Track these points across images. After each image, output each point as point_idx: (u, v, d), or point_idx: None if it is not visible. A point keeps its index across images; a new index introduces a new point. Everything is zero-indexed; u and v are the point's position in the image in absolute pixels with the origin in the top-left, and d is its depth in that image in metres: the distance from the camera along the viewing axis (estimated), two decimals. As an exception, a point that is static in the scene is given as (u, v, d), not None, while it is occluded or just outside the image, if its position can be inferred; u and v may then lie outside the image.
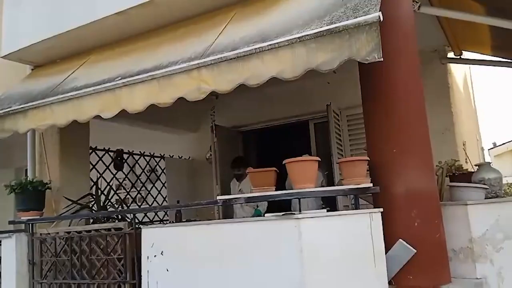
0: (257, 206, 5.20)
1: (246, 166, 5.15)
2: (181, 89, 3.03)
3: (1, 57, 4.53)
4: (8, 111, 3.85)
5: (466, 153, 5.19)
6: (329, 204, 4.99)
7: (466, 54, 5.55)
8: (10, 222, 4.41)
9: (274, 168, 3.38)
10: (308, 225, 2.80)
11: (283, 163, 3.17)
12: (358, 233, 2.88)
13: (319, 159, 3.15)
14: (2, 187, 4.42)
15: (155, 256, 3.29)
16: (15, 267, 4.01)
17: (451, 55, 5.43)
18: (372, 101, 3.21)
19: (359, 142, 5.04)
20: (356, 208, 3.15)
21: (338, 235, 2.85)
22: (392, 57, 2.98)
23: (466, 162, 4.82)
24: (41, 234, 4.06)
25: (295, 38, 2.71)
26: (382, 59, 2.53)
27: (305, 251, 2.73)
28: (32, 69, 4.78)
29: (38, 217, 4.27)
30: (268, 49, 2.79)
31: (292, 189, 3.06)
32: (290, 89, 5.59)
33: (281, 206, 3.57)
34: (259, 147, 7.26)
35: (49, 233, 4.01)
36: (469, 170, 4.11)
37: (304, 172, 3.07)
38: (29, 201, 4.28)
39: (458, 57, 5.41)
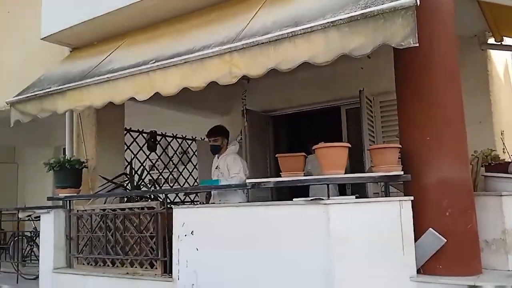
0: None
1: (225, 136, 4.63)
2: (213, 73, 3.06)
3: (41, 39, 4.69)
4: (48, 91, 3.99)
5: (504, 143, 5.00)
6: (359, 191, 4.95)
7: (508, 40, 5.31)
8: (49, 198, 4.61)
9: (303, 153, 3.39)
10: (337, 211, 2.81)
11: (313, 148, 3.17)
12: (387, 221, 2.87)
13: (349, 145, 3.13)
14: (42, 165, 4.62)
15: (185, 235, 3.39)
16: (53, 241, 4.22)
17: (491, 41, 5.19)
18: (406, 87, 3.15)
19: (392, 129, 4.94)
20: (386, 196, 3.13)
21: (367, 221, 2.85)
22: (429, 42, 2.90)
23: (504, 152, 4.64)
24: (78, 210, 4.23)
25: (328, 22, 2.68)
26: (417, 45, 2.47)
27: (332, 236, 2.75)
28: (71, 51, 4.93)
29: (75, 194, 4.45)
30: (300, 34, 2.77)
31: (310, 174, 3.08)
32: (322, 74, 5.52)
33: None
34: (289, 132, 7.24)
35: (85, 210, 4.18)
36: (506, 160, 3.97)
37: (334, 158, 3.07)
38: (67, 179, 4.46)
39: (499, 43, 5.17)
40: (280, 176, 3.36)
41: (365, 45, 2.57)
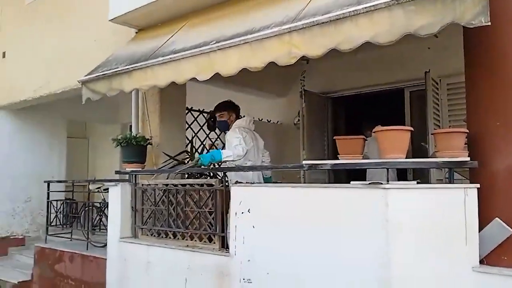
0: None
1: (232, 110, 4.34)
2: (272, 53, 3.06)
3: (108, 21, 4.92)
4: (115, 71, 4.21)
5: None
6: (421, 178, 4.79)
7: None
8: (116, 172, 4.90)
9: (363, 136, 3.33)
10: (396, 196, 2.75)
11: (373, 131, 3.10)
12: (450, 209, 2.77)
13: (412, 129, 3.03)
14: (110, 140, 4.90)
15: (242, 213, 3.47)
16: (120, 212, 4.49)
17: None
18: (476, 69, 2.97)
19: (459, 113, 4.68)
20: (450, 183, 3.01)
21: (428, 208, 2.77)
22: (502, 21, 2.70)
23: None
24: (142, 184, 4.47)
25: (392, 0, 2.57)
26: (489, 23, 2.31)
27: (390, 222, 2.70)
28: (136, 33, 5.13)
29: (140, 169, 4.70)
30: (363, 12, 2.68)
31: (367, 158, 3.01)
32: (385, 54, 5.33)
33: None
34: (349, 115, 7.10)
35: (149, 184, 4.41)
36: None
37: (395, 141, 2.98)
38: (133, 155, 4.71)
39: None
40: (337, 159, 3.34)
41: (432, 24, 2.45)
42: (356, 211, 2.87)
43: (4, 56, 7.63)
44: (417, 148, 4.94)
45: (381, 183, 2.81)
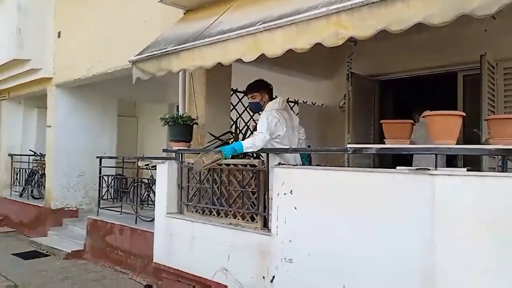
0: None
1: (264, 91, 4.17)
2: (319, 34, 3.01)
3: (158, 2, 5.01)
4: (164, 52, 4.30)
5: None
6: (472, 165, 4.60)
7: None
8: (163, 150, 5.06)
9: (411, 121, 3.24)
10: (443, 183, 2.68)
11: (422, 115, 3.01)
12: (502, 198, 2.66)
13: (464, 114, 2.91)
14: (158, 119, 5.05)
15: (284, 194, 3.51)
16: (166, 189, 4.65)
17: None
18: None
19: (516, 100, 4.46)
20: (503, 171, 2.88)
21: (477, 197, 2.68)
22: None
23: None
24: (188, 163, 4.60)
25: (448, -22, 2.45)
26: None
27: (437, 209, 2.65)
28: (184, 13, 5.20)
29: (186, 148, 4.83)
30: (415, -8, 2.58)
31: (414, 144, 2.92)
32: (438, 36, 5.10)
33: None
34: (397, 99, 6.90)
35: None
36: None
37: (445, 126, 2.88)
38: (179, 134, 4.84)
39: None
40: (383, 143, 3.28)
41: (489, 4, 2.31)
42: (401, 197, 2.82)
43: (59, 36, 7.99)
44: (469, 134, 4.74)
45: (429, 169, 2.74)
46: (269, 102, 4.15)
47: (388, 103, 6.73)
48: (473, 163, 4.59)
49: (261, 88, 4.23)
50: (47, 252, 7.12)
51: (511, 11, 2.44)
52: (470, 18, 2.47)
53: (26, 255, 6.93)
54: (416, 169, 2.82)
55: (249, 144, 3.78)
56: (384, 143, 3.25)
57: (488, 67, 4.55)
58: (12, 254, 6.98)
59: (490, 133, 2.94)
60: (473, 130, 4.75)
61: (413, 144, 3.24)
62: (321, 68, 6.69)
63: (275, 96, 4.30)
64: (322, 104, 7.18)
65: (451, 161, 4.97)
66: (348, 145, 3.33)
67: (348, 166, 5.68)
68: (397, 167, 2.92)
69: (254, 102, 4.24)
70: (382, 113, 6.30)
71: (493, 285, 2.62)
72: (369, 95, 6.28)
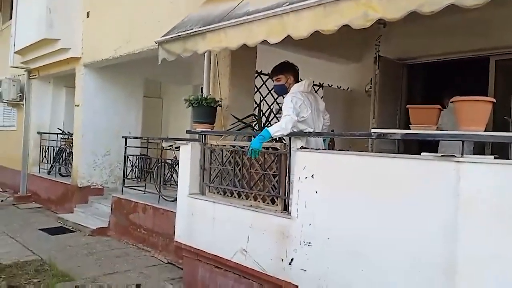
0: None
1: (290, 73, 4.11)
2: (347, 15, 2.94)
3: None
4: (190, 33, 4.30)
5: None
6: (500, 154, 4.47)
7: None
8: (187, 132, 5.10)
9: (438, 106, 3.15)
10: (469, 170, 2.61)
11: (451, 101, 2.92)
12: (529, 187, 2.57)
13: (494, 100, 2.81)
14: (183, 101, 5.09)
15: (306, 178, 3.50)
16: (189, 170, 4.69)
17: None
18: None
19: (552, 86, 4.27)
20: (532, 160, 2.78)
21: (505, 186, 2.59)
22: None
23: None
24: (211, 144, 4.63)
25: (484, -44, 2.34)
26: None
27: (462, 197, 2.58)
28: (211, -6, 5.16)
29: (210, 129, 4.85)
30: (449, -29, 2.48)
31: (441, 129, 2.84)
32: (470, 19, 4.91)
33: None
34: (425, 83, 6.72)
35: (217, 145, 4.56)
36: None
37: (474, 112, 2.80)
38: (203, 115, 4.87)
39: None
40: (409, 129, 3.21)
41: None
42: (425, 183, 2.76)
43: (88, 16, 8.09)
44: (500, 122, 4.60)
45: (455, 156, 2.67)
46: (295, 84, 4.10)
47: (416, 88, 6.56)
48: (502, 151, 4.46)
49: (287, 70, 4.17)
50: (73, 228, 7.36)
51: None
52: (506, 1, 2.36)
53: (53, 231, 7.18)
54: (441, 155, 2.75)
55: (277, 128, 3.73)
56: (410, 129, 3.18)
57: (523, 52, 4.37)
58: (40, 229, 7.24)
59: (523, 120, 2.84)
60: (503, 117, 4.61)
61: (440, 130, 3.16)
62: (348, 50, 6.56)
63: (301, 79, 4.24)
64: (348, 88, 7.07)
65: (479, 148, 4.84)
66: (372, 130, 3.26)
67: (372, 152, 5.61)
68: (422, 154, 2.86)
69: (279, 85, 4.18)
70: (409, 98, 6.17)
71: (518, 276, 2.56)
72: (397, 80, 6.14)
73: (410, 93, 6.30)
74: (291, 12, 3.31)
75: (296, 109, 3.82)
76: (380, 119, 5.66)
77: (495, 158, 2.77)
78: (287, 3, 3.36)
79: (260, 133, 3.79)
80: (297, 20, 3.26)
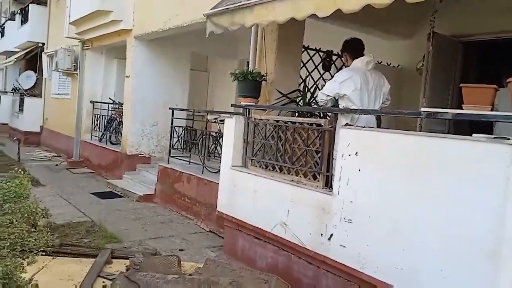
0: None
1: (347, 51, 4.24)
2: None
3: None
4: (238, 6, 4.28)
5: None
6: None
7: None
8: (232, 105, 5.16)
9: (494, 86, 3.00)
10: (523, 154, 2.49)
11: (508, 81, 2.77)
12: None
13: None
14: (228, 75, 5.13)
15: (349, 155, 3.46)
16: (233, 143, 4.77)
17: None
18: None
19: None
20: None
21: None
22: None
23: None
24: (255, 119, 4.66)
25: None
26: None
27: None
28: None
29: (254, 104, 4.88)
30: None
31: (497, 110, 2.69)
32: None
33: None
34: (481, 62, 6.36)
35: (261, 119, 4.58)
36: None
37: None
38: (248, 89, 4.90)
39: None
40: (461, 109, 3.08)
41: None
42: (475, 166, 2.67)
43: (139, -12, 8.23)
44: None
45: (509, 138, 2.55)
46: (354, 61, 4.14)
47: (472, 67, 6.22)
48: None
49: (343, 49, 4.29)
50: (121, 193, 7.73)
51: None
52: None
53: (103, 195, 7.58)
54: (494, 137, 2.64)
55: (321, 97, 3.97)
56: (462, 109, 3.05)
57: None
58: (91, 193, 7.67)
59: None
60: None
61: (495, 111, 3.01)
62: (400, 26, 6.30)
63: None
64: (398, 66, 6.83)
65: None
66: (422, 109, 3.16)
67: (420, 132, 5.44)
68: (474, 135, 2.75)
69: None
70: (463, 77, 5.86)
71: None
72: (451, 57, 5.84)
73: (465, 72, 5.99)
74: (341, -16, 3.21)
75: (334, 88, 3.96)
76: (430, 99, 5.45)
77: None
78: (338, -25, 3.26)
79: None
80: (348, -7, 3.16)
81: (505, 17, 5.22)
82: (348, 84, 3.90)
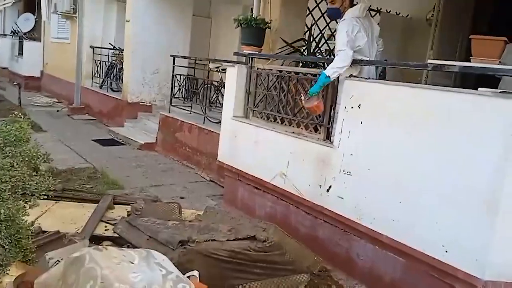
0: None
1: None
2: None
3: None
4: None
5: None
6: None
7: None
8: (234, 54, 5.04)
9: (504, 38, 2.89)
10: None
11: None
12: None
13: None
14: (232, 22, 4.96)
15: (352, 107, 3.42)
16: (234, 92, 4.70)
17: None
18: None
19: None
20: None
21: None
22: None
23: None
24: (258, 68, 4.56)
25: None
26: None
27: (513, 135, 2.45)
28: None
29: (257, 52, 4.75)
30: None
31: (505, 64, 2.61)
32: None
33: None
34: (494, 14, 6.13)
35: (264, 69, 4.48)
36: None
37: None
38: (251, 37, 4.77)
39: None
40: (469, 61, 2.99)
41: None
42: (478, 121, 2.63)
43: None
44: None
45: (515, 94, 2.50)
46: (350, 9, 3.80)
47: (484, 19, 6.00)
48: None
49: None
50: (122, 141, 7.75)
51: None
52: None
53: (104, 142, 7.61)
54: (500, 91, 2.58)
55: (334, 69, 3.52)
56: (470, 61, 2.96)
57: None
58: (92, 140, 7.69)
59: None
60: None
61: (503, 65, 2.93)
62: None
63: (357, 2, 3.96)
64: (407, 15, 6.60)
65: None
66: (429, 61, 3.06)
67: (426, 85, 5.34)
68: (479, 89, 2.69)
69: (333, 8, 3.85)
70: (475, 29, 5.67)
71: None
72: (464, 8, 5.62)
73: (476, 24, 5.78)
74: None
75: (351, 40, 3.59)
76: (438, 51, 5.31)
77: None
78: None
79: (319, 80, 3.59)
80: None
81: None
82: (361, 35, 3.68)
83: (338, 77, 3.58)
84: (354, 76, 3.60)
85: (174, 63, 7.08)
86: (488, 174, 2.56)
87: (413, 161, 2.97)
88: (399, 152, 3.07)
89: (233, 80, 4.70)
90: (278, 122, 4.30)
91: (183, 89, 7.45)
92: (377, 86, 3.40)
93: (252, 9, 5.43)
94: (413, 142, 2.98)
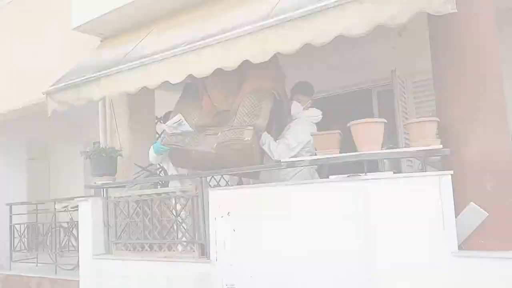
0: None
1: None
2: (246, 51, 3.05)
3: (72, 29, 4.77)
4: (83, 79, 4.06)
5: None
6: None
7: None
8: (86, 186, 4.72)
9: (338, 131, 3.36)
10: (375, 187, 2.79)
11: (348, 125, 3.14)
12: (426, 196, 2.81)
13: (386, 121, 3.09)
14: (73, 157, 4.72)
15: (222, 216, 3.41)
16: (91, 229, 4.30)
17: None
18: (443, 61, 3.08)
19: (426, 110, 4.83)
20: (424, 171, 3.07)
21: (406, 197, 2.81)
22: (467, 12, 2.83)
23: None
24: (114, 197, 4.31)
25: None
26: (456, 11, 2.41)
27: (371, 212, 2.73)
28: (101, 41, 5.00)
29: (112, 181, 4.53)
30: (333, 6, 2.73)
31: None
32: (352, 57, 5.42)
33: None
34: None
35: (122, 196, 4.26)
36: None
37: (369, 134, 3.04)
38: (103, 167, 4.54)
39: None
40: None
41: (401, 13, 2.52)
42: (338, 204, 2.88)
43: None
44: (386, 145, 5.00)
45: (359, 175, 2.85)
46: (308, 111, 4.13)
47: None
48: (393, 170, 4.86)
49: (298, 91, 4.14)
50: None
51: (415, 28, 2.66)
52: (380, 38, 2.67)
53: None
54: (348, 176, 2.92)
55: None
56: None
57: (399, 82, 4.90)
58: None
59: (410, 136, 3.14)
60: (389, 145, 5.04)
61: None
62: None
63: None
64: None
65: (374, 167, 5.19)
66: (282, 160, 3.34)
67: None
68: (330, 176, 3.00)
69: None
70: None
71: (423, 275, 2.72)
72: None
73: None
74: (190, 51, 3.34)
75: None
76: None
77: (394, 173, 3.01)
78: (186, 44, 3.39)
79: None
80: (199, 59, 3.30)
81: (331, 78, 5.84)
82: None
83: (202, 189, 3.60)
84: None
85: (11, 212, 6.23)
86: (358, 255, 2.74)
87: (290, 257, 3.03)
88: (274, 252, 3.11)
89: (88, 215, 4.34)
90: (147, 250, 4.01)
91: (25, 240, 6.49)
92: (240, 191, 3.52)
93: (94, 143, 5.30)
94: (287, 239, 3.06)
